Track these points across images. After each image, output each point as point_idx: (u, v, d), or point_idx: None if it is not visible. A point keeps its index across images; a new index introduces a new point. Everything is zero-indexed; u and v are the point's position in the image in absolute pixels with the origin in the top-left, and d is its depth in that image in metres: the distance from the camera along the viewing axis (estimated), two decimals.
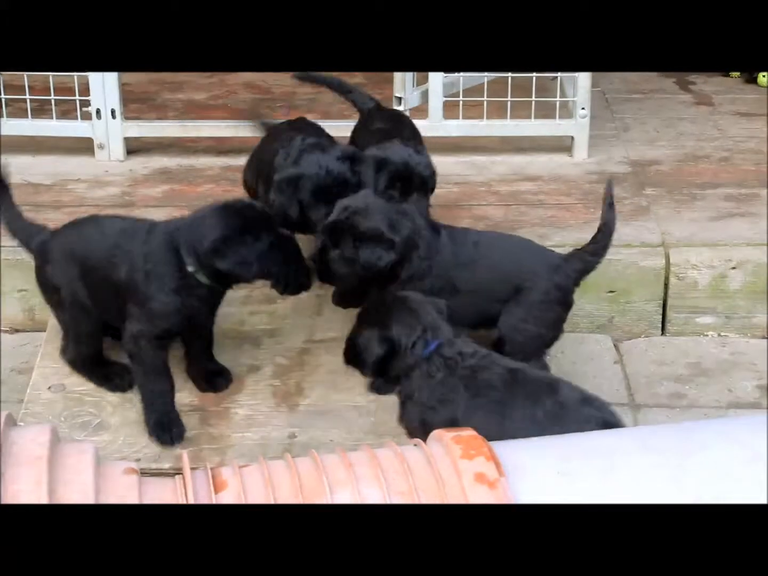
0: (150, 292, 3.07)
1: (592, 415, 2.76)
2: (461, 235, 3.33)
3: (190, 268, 3.07)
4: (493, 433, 2.17)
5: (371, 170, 3.43)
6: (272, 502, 1.80)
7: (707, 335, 3.89)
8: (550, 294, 3.27)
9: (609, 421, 2.74)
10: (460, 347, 2.89)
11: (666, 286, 3.85)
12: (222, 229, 3.03)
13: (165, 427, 3.13)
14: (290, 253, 3.13)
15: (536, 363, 3.25)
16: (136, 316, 3.09)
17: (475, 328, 3.28)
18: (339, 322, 3.57)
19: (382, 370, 2.93)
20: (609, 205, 3.24)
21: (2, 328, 3.88)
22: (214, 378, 3.34)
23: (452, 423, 2.69)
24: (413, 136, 3.74)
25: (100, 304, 3.20)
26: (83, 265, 3.18)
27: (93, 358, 3.33)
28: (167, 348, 3.19)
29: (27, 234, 3.33)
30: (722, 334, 3.90)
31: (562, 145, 4.51)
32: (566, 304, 3.33)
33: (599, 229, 3.27)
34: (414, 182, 3.44)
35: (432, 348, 2.87)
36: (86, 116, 4.38)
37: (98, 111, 4.36)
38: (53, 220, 4.04)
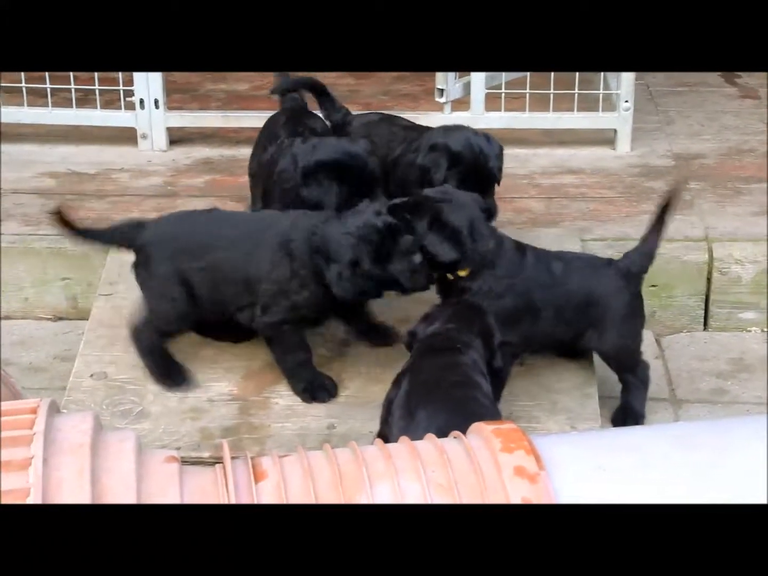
0: (293, 287, 3.16)
1: None
2: (545, 255, 3.32)
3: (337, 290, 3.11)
4: None
5: (444, 161, 3.44)
6: (312, 492, 1.80)
7: (750, 331, 3.86)
8: (632, 304, 3.31)
9: None
10: None
11: (709, 280, 3.83)
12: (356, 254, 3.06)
13: (315, 388, 3.26)
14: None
15: (642, 370, 3.37)
16: (275, 308, 3.18)
17: (558, 353, 3.40)
18: (379, 314, 3.57)
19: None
20: (660, 216, 3.26)
21: (45, 316, 3.92)
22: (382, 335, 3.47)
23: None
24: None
25: (217, 295, 3.24)
26: (204, 258, 3.21)
27: (166, 349, 3.34)
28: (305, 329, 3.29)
29: (125, 234, 3.32)
30: (765, 329, 3.86)
31: (605, 138, 4.49)
32: (642, 307, 3.38)
33: (648, 236, 3.30)
34: (484, 178, 3.45)
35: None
36: (130, 106, 4.41)
37: (141, 101, 4.39)
38: (96, 209, 4.09)
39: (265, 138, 3.78)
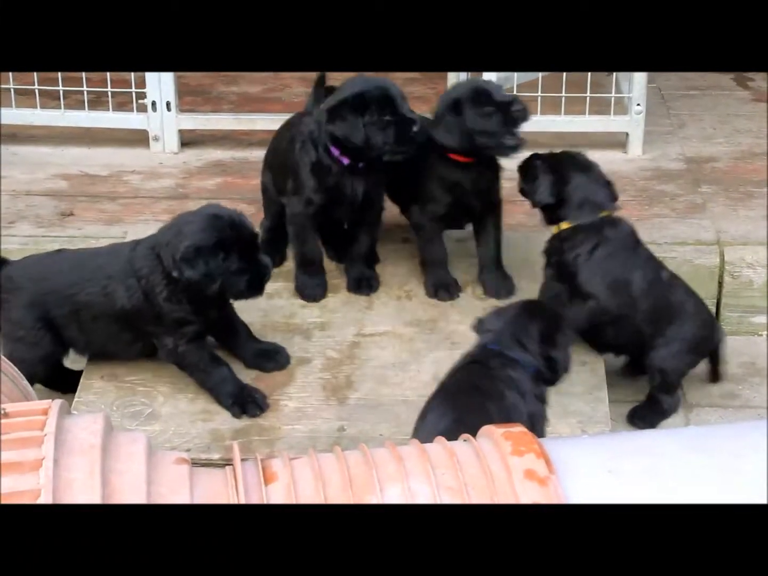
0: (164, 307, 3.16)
1: None
2: (656, 260, 3.46)
3: (175, 274, 3.10)
4: None
5: (470, 103, 3.51)
6: (322, 494, 1.80)
7: (761, 335, 3.84)
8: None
9: None
10: None
11: (720, 284, 3.81)
12: (197, 239, 3.07)
13: (244, 401, 3.22)
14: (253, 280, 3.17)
15: (678, 393, 3.47)
16: (162, 335, 3.22)
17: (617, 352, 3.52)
18: (389, 317, 3.58)
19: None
20: None
21: None
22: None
23: None
24: None
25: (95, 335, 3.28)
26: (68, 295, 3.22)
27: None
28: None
29: None
30: None
31: (617, 141, 4.48)
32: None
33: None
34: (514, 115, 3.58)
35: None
36: (142, 108, 4.42)
37: (154, 103, 4.40)
38: (109, 210, 4.11)
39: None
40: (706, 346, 3.47)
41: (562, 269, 3.42)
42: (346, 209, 3.55)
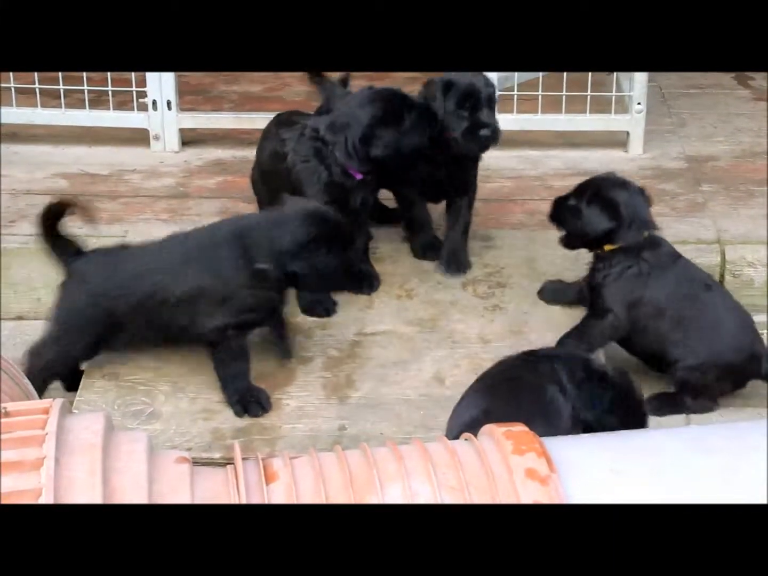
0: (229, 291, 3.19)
1: None
2: (698, 273, 3.48)
3: (261, 265, 3.15)
4: None
5: (440, 93, 3.56)
6: (323, 494, 1.80)
7: (762, 333, 3.83)
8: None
9: None
10: None
11: (721, 283, 3.81)
12: (302, 235, 3.15)
13: (248, 401, 3.23)
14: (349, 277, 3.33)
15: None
16: (219, 313, 3.21)
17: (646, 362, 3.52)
18: (390, 316, 3.58)
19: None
20: None
21: None
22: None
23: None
24: None
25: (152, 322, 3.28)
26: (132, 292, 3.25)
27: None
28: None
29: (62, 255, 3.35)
30: None
31: (617, 140, 4.48)
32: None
33: None
34: (481, 99, 3.56)
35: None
36: (142, 107, 4.42)
37: (154, 102, 4.40)
38: (109, 210, 4.10)
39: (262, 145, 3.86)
40: (742, 374, 3.45)
41: (590, 289, 3.45)
42: (350, 218, 3.55)
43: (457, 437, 2.10)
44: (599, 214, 3.38)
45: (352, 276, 3.34)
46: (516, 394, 2.76)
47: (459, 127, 3.56)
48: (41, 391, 3.19)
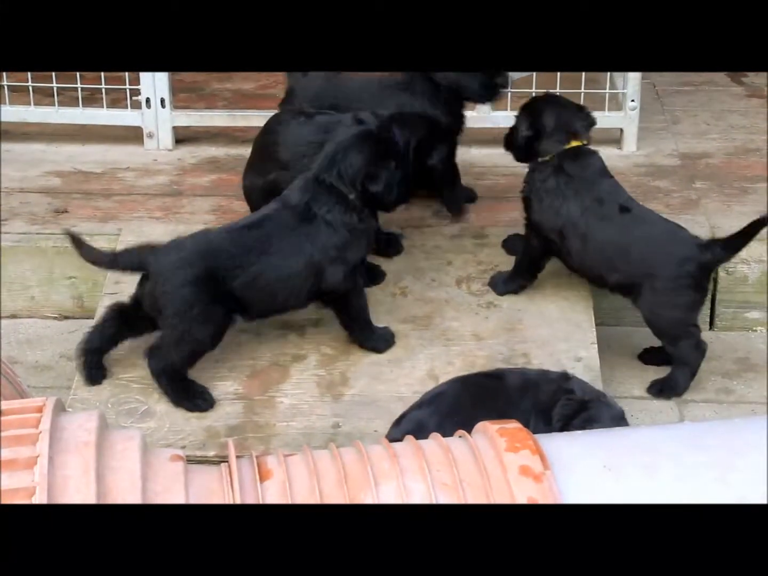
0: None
1: None
2: (625, 198, 3.51)
3: (351, 197, 3.32)
4: None
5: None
6: (317, 491, 1.81)
7: (756, 330, 3.85)
8: (679, 281, 3.37)
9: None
10: None
11: (715, 280, 3.81)
12: (368, 155, 3.32)
13: (388, 338, 3.49)
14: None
15: (688, 342, 3.42)
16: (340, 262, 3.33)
17: (610, 289, 3.53)
18: (384, 314, 3.58)
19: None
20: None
21: (51, 315, 3.92)
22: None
23: None
24: None
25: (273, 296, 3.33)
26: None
27: (185, 372, 3.30)
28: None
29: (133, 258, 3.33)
30: None
31: (611, 137, 4.47)
32: (698, 289, 3.44)
33: (742, 231, 3.39)
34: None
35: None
36: (136, 105, 4.41)
37: (148, 100, 4.39)
38: (103, 207, 4.10)
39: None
40: (698, 275, 3.42)
41: (522, 204, 3.58)
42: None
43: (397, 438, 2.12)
44: (522, 123, 3.53)
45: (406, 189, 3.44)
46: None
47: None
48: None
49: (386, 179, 3.32)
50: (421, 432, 2.41)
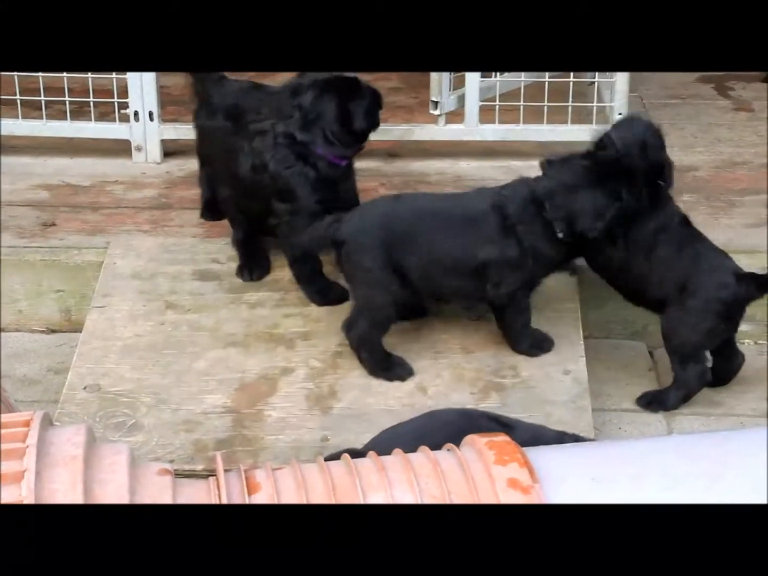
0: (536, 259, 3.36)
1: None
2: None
3: (560, 235, 3.33)
4: None
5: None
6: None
7: (744, 343, 3.85)
8: (711, 305, 3.39)
9: None
10: None
11: None
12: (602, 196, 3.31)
13: (540, 343, 3.50)
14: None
15: (696, 368, 3.44)
16: (511, 276, 3.35)
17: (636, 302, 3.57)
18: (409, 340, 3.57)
19: None
20: None
21: (39, 328, 3.91)
22: None
23: None
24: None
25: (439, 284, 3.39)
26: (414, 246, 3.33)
27: (380, 341, 3.41)
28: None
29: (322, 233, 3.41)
30: (759, 342, 3.86)
31: None
32: (725, 319, 3.45)
33: None
34: None
35: None
36: (124, 118, 4.41)
37: (136, 113, 4.39)
38: (91, 221, 4.10)
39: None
40: (731, 304, 3.43)
41: None
42: (341, 205, 3.57)
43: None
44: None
45: None
46: None
47: None
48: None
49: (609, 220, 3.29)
50: None
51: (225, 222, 3.98)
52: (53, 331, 3.90)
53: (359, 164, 3.80)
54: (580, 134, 4.43)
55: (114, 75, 4.33)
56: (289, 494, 1.83)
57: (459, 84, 4.38)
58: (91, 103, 4.41)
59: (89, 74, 4.34)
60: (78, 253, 3.85)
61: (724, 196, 4.27)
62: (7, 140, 4.49)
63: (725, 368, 3.56)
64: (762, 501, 1.81)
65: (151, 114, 4.39)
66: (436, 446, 2.00)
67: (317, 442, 3.17)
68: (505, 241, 3.32)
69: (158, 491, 1.82)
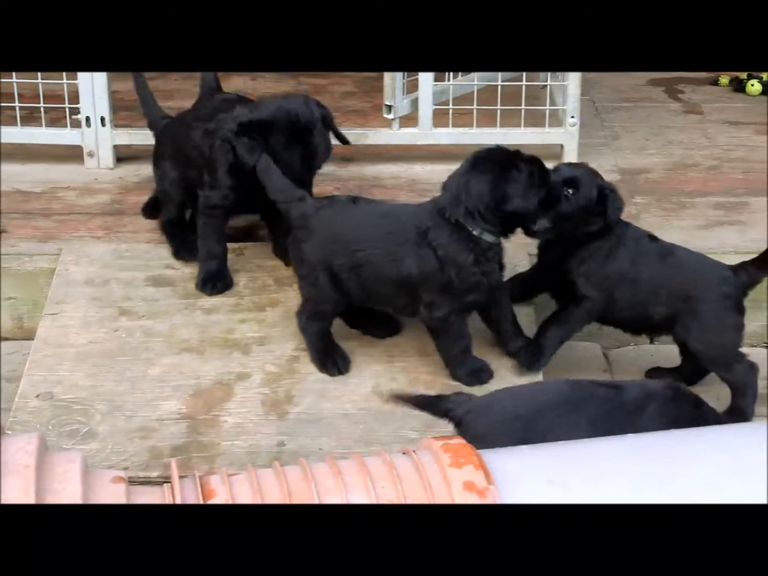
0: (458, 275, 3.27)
1: None
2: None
3: (475, 232, 3.25)
4: None
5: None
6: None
7: None
8: (722, 302, 3.40)
9: None
10: None
11: None
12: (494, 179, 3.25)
13: (477, 371, 3.41)
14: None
15: (741, 366, 3.44)
16: (441, 299, 3.30)
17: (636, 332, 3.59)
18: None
19: None
20: None
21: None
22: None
23: None
24: None
25: (369, 291, 3.36)
26: (353, 250, 3.32)
27: (328, 336, 3.45)
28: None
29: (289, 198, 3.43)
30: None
31: (552, 153, 4.51)
32: (740, 310, 3.45)
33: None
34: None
35: None
36: (76, 124, 4.38)
37: (88, 119, 4.36)
38: (43, 228, 4.06)
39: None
40: (738, 295, 3.43)
41: None
42: (259, 202, 3.60)
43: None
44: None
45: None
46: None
47: None
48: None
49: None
50: None
51: None
52: (5, 339, 3.86)
53: None
54: (533, 137, 4.47)
55: (65, 80, 4.29)
56: (245, 500, 1.82)
57: (412, 88, 4.39)
58: (42, 109, 4.37)
59: (39, 79, 4.30)
60: (30, 260, 3.81)
61: (675, 198, 4.32)
62: None
63: (695, 367, 3.58)
64: (711, 501, 1.83)
65: (102, 119, 4.36)
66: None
67: (273, 448, 3.16)
68: (420, 251, 3.28)
69: (112, 499, 1.80)
